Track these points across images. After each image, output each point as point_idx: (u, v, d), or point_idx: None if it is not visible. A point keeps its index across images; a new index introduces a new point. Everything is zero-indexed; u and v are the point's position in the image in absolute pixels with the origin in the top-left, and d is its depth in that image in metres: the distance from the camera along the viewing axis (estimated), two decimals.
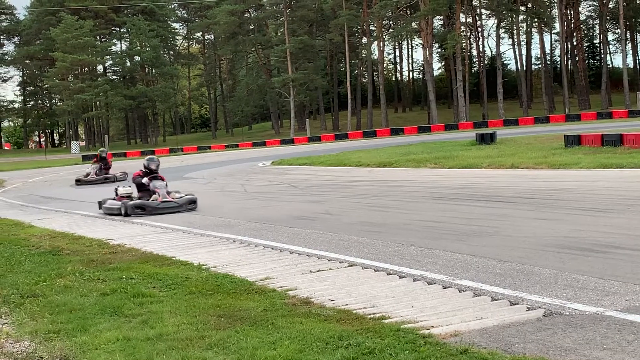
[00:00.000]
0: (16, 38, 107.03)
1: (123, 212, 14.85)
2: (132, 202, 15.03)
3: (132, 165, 38.97)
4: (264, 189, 20.66)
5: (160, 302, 6.66)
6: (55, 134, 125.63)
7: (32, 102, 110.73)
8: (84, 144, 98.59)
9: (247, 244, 9.99)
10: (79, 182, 28.32)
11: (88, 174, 28.90)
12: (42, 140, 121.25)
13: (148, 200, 15.21)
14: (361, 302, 6.25)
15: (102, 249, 10.31)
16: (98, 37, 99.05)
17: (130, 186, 16.36)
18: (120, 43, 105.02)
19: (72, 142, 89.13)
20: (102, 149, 31.78)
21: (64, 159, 66.14)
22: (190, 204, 15.31)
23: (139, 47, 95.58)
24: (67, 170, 45.73)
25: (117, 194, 16.16)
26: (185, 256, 9.24)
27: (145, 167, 15.97)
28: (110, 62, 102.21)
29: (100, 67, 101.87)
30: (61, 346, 5.48)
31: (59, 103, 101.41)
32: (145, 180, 15.73)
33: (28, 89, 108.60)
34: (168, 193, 15.61)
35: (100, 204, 16.39)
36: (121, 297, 6.94)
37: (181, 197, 15.44)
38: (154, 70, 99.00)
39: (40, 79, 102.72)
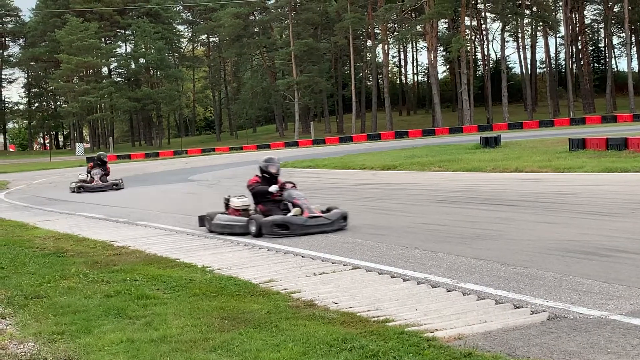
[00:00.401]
0: (21, 40, 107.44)
1: (254, 231, 10.87)
2: (269, 219, 10.94)
3: (134, 168, 39.02)
4: None
5: (164, 304, 6.66)
6: (59, 136, 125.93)
7: (36, 104, 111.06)
8: (88, 145, 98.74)
9: (251, 246, 10.00)
10: (81, 189, 25.19)
11: (91, 180, 25.71)
12: (46, 142, 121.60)
13: (283, 214, 11.27)
14: (365, 305, 6.24)
15: (106, 251, 10.31)
16: (103, 39, 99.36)
17: (244, 195, 12.35)
18: (125, 45, 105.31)
19: (76, 144, 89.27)
20: (101, 152, 28.98)
21: (68, 160, 66.22)
22: (342, 220, 11.25)
23: (143, 50, 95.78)
24: (71, 172, 45.77)
25: (228, 207, 12.28)
26: (189, 258, 9.24)
27: (262, 171, 12.02)
28: (115, 64, 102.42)
29: (105, 69, 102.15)
30: (65, 348, 5.48)
31: (63, 105, 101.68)
32: (273, 188, 11.67)
33: (33, 90, 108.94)
34: None
35: (203, 219, 12.28)
36: (125, 299, 6.94)
37: (329, 211, 11.41)
38: (158, 73, 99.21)
39: (45, 81, 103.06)
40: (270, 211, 11.33)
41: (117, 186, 25.86)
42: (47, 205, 20.84)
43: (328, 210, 11.30)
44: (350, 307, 6.18)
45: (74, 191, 25.33)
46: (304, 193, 11.79)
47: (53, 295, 7.34)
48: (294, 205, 11.29)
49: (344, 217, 11.23)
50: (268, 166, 11.97)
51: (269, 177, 11.92)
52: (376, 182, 21.29)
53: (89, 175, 26.17)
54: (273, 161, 12.09)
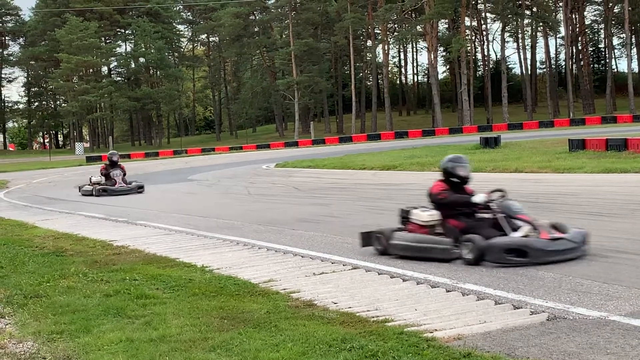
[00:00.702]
0: (21, 39, 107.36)
1: (472, 256, 7.81)
2: (498, 242, 7.79)
3: (133, 167, 38.98)
4: (268, 192, 20.67)
5: (163, 304, 6.66)
6: (59, 135, 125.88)
7: (36, 103, 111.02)
8: (88, 145, 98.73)
9: (251, 246, 10.00)
10: (103, 192, 22.32)
11: (113, 182, 22.85)
12: (46, 141, 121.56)
13: (500, 234, 8.08)
14: (364, 305, 6.25)
15: (106, 250, 10.31)
16: (103, 39, 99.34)
17: (427, 207, 9.06)
18: (125, 44, 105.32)
19: (76, 143, 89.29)
20: (112, 151, 25.39)
21: (68, 160, 66.23)
22: (584, 243, 8.03)
23: (143, 49, 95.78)
24: (71, 171, 45.82)
25: (408, 221, 8.97)
26: (188, 258, 9.24)
27: (448, 174, 8.97)
28: (115, 63, 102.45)
29: (105, 69, 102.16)
30: (64, 347, 5.48)
31: (63, 104, 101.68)
32: (480, 198, 8.60)
33: (33, 90, 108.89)
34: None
35: (369, 237, 9.14)
36: (124, 299, 6.95)
37: (557, 229, 8.20)
38: (158, 72, 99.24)
39: (45, 80, 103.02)
40: (473, 228, 8.23)
41: (141, 188, 22.94)
42: (46, 204, 20.83)
43: (555, 227, 8.21)
44: (350, 307, 6.19)
45: (91, 194, 22.51)
46: (520, 204, 8.66)
47: (52, 294, 7.34)
48: (509, 220, 8.28)
49: (586, 238, 8.10)
50: (455, 167, 9.00)
51: (458, 182, 9.00)
52: (376, 182, 21.29)
53: (103, 177, 23.15)
54: (461, 161, 9.16)
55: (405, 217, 9.18)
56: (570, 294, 6.13)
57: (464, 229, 8.31)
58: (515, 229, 8.09)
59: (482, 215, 8.51)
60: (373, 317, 5.80)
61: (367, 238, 9.21)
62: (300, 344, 5.11)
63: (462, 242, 8.07)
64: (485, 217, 8.47)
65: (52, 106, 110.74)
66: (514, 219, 8.24)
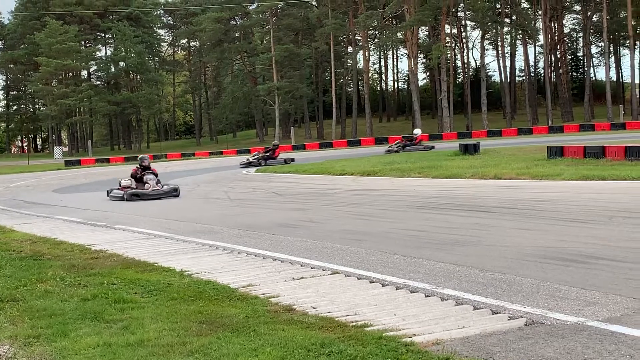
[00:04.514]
0: (0, 42, 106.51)
1: None
2: None
3: (113, 171, 38.74)
4: (248, 197, 20.63)
5: (141, 308, 6.63)
6: (38, 139, 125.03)
7: (15, 107, 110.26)
8: (67, 149, 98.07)
9: (230, 251, 9.97)
10: (135, 196, 20.83)
11: (148, 187, 21.44)
12: (24, 145, 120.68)
13: None
14: (344, 310, 6.25)
15: (84, 254, 10.25)
16: (83, 43, 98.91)
17: None
18: (105, 49, 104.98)
19: (55, 147, 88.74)
20: (143, 155, 23.33)
21: (46, 164, 65.80)
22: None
23: (123, 53, 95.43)
24: (49, 175, 45.49)
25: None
26: (167, 262, 9.20)
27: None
28: (95, 67, 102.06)
29: (84, 73, 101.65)
30: (41, 351, 5.44)
31: (42, 108, 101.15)
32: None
33: (11, 93, 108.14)
34: None
35: None
36: (102, 303, 6.90)
37: None
38: (138, 77, 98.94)
39: (23, 84, 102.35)
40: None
41: (177, 191, 21.47)
42: (24, 208, 20.68)
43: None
44: (329, 312, 6.18)
45: (122, 199, 21.00)
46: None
47: (29, 298, 7.28)
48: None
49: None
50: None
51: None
52: (356, 188, 21.30)
53: (132, 180, 21.86)
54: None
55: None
56: (548, 300, 6.16)
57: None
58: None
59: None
60: (352, 322, 5.80)
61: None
62: (279, 348, 5.11)
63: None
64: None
65: (31, 110, 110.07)
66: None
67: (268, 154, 38.85)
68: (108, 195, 22.26)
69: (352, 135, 79.32)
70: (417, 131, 43.33)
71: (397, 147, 40.71)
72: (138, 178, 21.75)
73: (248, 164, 38.01)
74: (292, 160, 39.38)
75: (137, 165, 22.19)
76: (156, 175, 21.97)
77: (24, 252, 10.78)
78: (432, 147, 41.45)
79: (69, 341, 5.63)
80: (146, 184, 21.28)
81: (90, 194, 25.96)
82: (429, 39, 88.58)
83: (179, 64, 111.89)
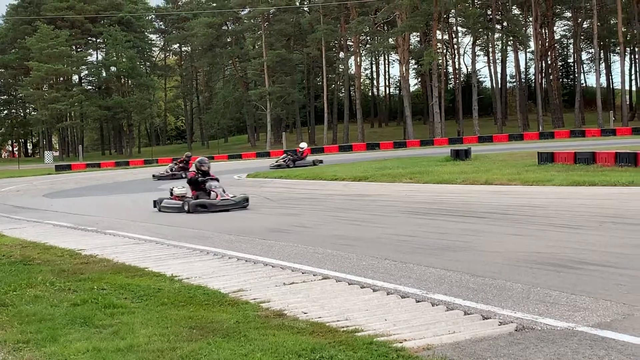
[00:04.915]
0: None
1: None
2: None
3: (104, 176, 38.64)
4: None
5: (131, 313, 6.61)
6: (28, 144, 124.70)
7: (5, 111, 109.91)
8: (57, 154, 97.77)
9: (221, 256, 9.95)
10: (201, 207, 17.15)
11: (214, 196, 17.77)
12: (15, 149, 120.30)
13: None
14: (334, 315, 6.24)
15: (74, 259, 10.21)
16: (74, 47, 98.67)
17: None
18: (97, 53, 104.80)
19: (45, 152, 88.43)
20: (202, 158, 19.41)
21: (37, 168, 65.59)
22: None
23: (115, 58, 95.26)
24: (40, 180, 45.34)
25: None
26: (157, 267, 9.18)
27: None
28: (86, 72, 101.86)
29: (75, 77, 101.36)
30: (30, 356, 5.41)
31: (33, 112, 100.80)
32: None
33: (2, 97, 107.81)
34: None
35: None
36: (92, 308, 6.88)
37: None
38: (129, 81, 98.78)
39: (14, 88, 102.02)
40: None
41: (247, 201, 17.85)
42: (14, 213, 20.59)
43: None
44: (320, 317, 6.17)
45: (179, 210, 17.47)
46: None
47: (19, 303, 7.25)
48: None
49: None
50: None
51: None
52: (347, 193, 21.31)
53: (188, 188, 18.36)
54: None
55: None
56: (538, 305, 6.17)
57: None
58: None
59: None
60: (343, 327, 5.79)
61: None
62: (270, 353, 5.10)
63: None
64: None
65: (22, 114, 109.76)
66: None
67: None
68: (156, 207, 18.26)
69: (344, 140, 79.36)
70: (303, 145, 41.63)
71: (286, 162, 38.79)
72: (199, 186, 17.82)
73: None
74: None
75: (194, 170, 18.39)
76: (218, 181, 18.33)
77: (14, 256, 10.73)
78: (321, 162, 40.43)
79: (58, 346, 5.60)
80: (211, 193, 17.51)
81: (81, 198, 25.90)
82: (420, 44, 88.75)
83: (170, 69, 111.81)
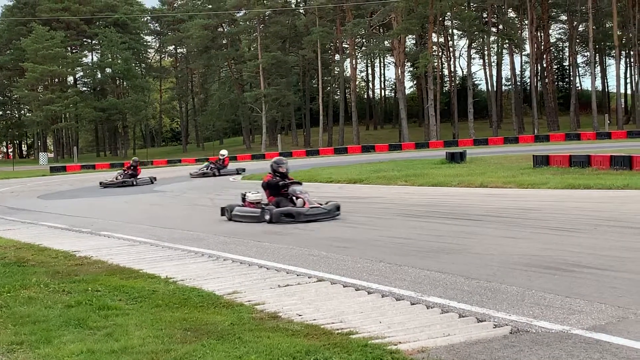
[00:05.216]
0: None
1: None
2: None
3: (98, 178, 38.57)
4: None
5: (126, 315, 6.60)
6: (23, 145, 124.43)
7: (0, 113, 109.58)
8: (52, 155, 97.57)
9: (216, 258, 9.94)
10: (289, 216, 14.15)
11: (301, 204, 14.66)
12: (9, 150, 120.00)
13: None
14: (329, 317, 6.23)
15: (68, 261, 10.19)
16: (69, 48, 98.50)
17: None
18: (92, 55, 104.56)
19: (40, 153, 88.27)
20: (279, 158, 16.30)
21: (31, 170, 65.47)
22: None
23: (110, 59, 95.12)
24: (34, 181, 45.26)
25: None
26: (152, 269, 9.16)
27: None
28: (81, 73, 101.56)
29: (70, 79, 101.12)
30: (24, 358, 5.41)
31: (27, 114, 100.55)
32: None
33: None
34: None
35: None
36: (86, 310, 6.87)
37: None
38: (125, 83, 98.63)
39: (9, 89, 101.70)
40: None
41: (338, 210, 14.68)
42: (8, 214, 20.55)
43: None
44: (314, 319, 6.17)
45: (257, 220, 14.47)
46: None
47: (13, 305, 7.23)
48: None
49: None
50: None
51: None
52: (342, 196, 21.28)
53: (264, 193, 15.14)
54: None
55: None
56: (533, 308, 6.17)
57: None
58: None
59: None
60: (337, 330, 5.79)
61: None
62: (264, 355, 5.09)
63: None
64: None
65: (17, 115, 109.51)
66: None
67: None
68: (225, 215, 15.28)
69: (339, 143, 79.40)
70: (224, 152, 40.22)
71: (212, 170, 37.59)
72: (280, 190, 14.72)
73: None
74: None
75: (270, 172, 15.04)
76: (301, 185, 15.33)
77: (8, 258, 10.70)
78: (244, 170, 39.68)
79: (52, 348, 5.59)
80: (297, 199, 14.45)
81: (76, 200, 25.85)
82: (416, 47, 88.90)
83: (165, 71, 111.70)
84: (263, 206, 14.57)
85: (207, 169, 37.67)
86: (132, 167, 33.46)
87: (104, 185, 32.48)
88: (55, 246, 11.96)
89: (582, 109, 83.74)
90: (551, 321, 5.71)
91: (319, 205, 14.33)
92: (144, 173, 36.34)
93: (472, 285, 7.21)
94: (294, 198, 14.48)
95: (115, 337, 5.80)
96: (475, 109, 77.98)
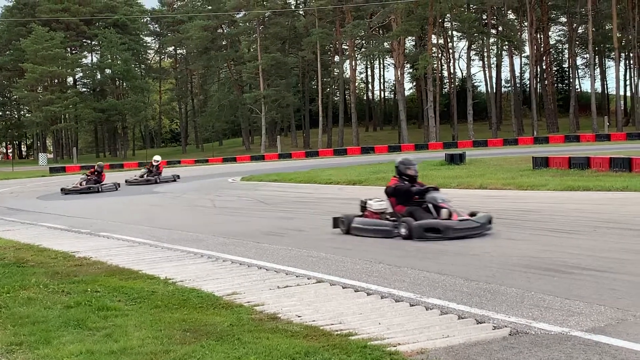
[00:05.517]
0: None
1: None
2: None
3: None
4: (233, 205, 20.59)
5: (125, 316, 6.60)
6: (22, 146, 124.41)
7: (0, 113, 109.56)
8: (51, 156, 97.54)
9: (215, 259, 9.94)
10: (434, 232, 11.11)
11: (446, 216, 12.12)
12: (9, 151, 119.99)
13: None
14: (328, 319, 6.23)
15: (68, 262, 10.19)
16: (69, 49, 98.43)
17: None
18: (91, 55, 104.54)
19: (39, 154, 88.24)
20: (406, 158, 12.43)
21: (31, 170, 65.44)
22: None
23: (110, 60, 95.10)
24: (34, 182, 45.24)
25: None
26: (151, 270, 9.16)
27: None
28: (81, 74, 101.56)
29: (70, 79, 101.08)
30: (23, 358, 5.41)
31: (27, 114, 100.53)
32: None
33: None
34: None
35: None
36: (85, 310, 6.86)
37: None
38: (124, 84, 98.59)
39: (9, 90, 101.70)
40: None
41: (490, 223, 11.60)
42: (8, 215, 20.54)
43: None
44: (314, 321, 6.17)
45: (387, 234, 11.52)
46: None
47: (12, 305, 7.23)
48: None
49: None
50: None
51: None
52: (342, 197, 21.30)
53: (388, 201, 12.14)
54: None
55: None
56: (532, 309, 6.17)
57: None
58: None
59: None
60: (337, 331, 5.79)
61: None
62: (264, 357, 5.09)
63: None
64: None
65: (16, 116, 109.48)
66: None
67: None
68: (339, 227, 12.33)
69: (339, 144, 79.41)
70: (157, 158, 36.73)
71: (148, 176, 34.85)
72: (413, 198, 11.82)
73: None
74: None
75: (395, 175, 12.29)
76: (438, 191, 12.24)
77: (8, 258, 10.70)
78: (179, 177, 36.95)
79: (51, 349, 5.59)
80: (441, 210, 11.41)
81: (75, 201, 25.83)
82: (415, 49, 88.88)
83: (165, 72, 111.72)
84: (394, 218, 11.65)
85: (152, 177, 34.80)
86: (96, 173, 31.16)
87: (66, 191, 29.78)
88: (54, 247, 11.95)
89: (582, 110, 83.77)
90: (550, 323, 5.71)
91: (469, 218, 11.36)
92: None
93: (472, 286, 7.21)
94: (430, 206, 11.43)
95: (114, 338, 5.81)
96: (475, 111, 78.02)
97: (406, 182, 11.84)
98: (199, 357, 5.19)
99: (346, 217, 12.20)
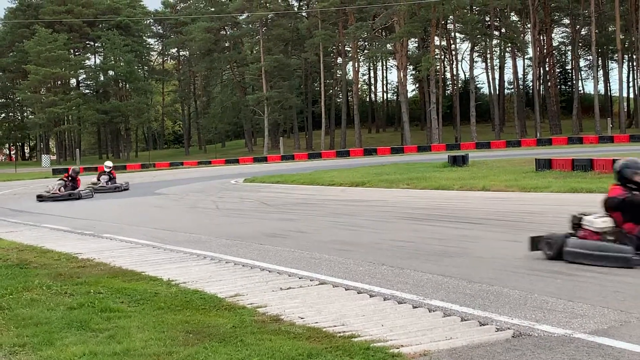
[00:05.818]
0: None
1: None
2: None
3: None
4: (236, 206, 20.58)
5: (128, 317, 6.59)
6: (26, 147, 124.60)
7: (3, 115, 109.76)
8: (55, 157, 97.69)
9: (218, 261, 9.93)
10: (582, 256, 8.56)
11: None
12: (12, 153, 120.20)
13: None
14: (331, 320, 6.22)
15: (70, 263, 10.18)
16: (72, 51, 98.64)
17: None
18: (95, 57, 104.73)
19: (42, 155, 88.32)
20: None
21: (34, 172, 65.54)
22: None
23: (113, 62, 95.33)
24: (36, 183, 45.27)
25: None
26: (154, 271, 9.16)
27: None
28: (84, 76, 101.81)
29: (73, 81, 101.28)
30: None
31: (30, 116, 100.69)
32: None
33: (0, 101, 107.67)
34: None
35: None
36: (88, 312, 6.85)
37: None
38: (127, 85, 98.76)
39: (12, 92, 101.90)
40: None
41: None
42: (11, 216, 20.54)
43: None
44: (316, 322, 6.16)
45: (628, 262, 8.16)
46: None
47: (15, 306, 7.23)
48: None
49: None
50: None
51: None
52: (344, 199, 21.30)
53: (618, 212, 9.09)
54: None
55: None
56: (535, 311, 6.16)
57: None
58: None
59: None
60: (339, 333, 5.78)
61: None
62: (266, 358, 5.09)
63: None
64: None
65: (19, 118, 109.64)
66: None
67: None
68: (542, 250, 9.05)
69: (341, 146, 79.46)
70: (109, 163, 34.47)
71: (107, 183, 32.19)
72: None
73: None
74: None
75: (617, 183, 9.10)
76: None
77: (10, 260, 10.69)
78: (127, 184, 33.94)
79: (54, 350, 5.58)
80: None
81: (77, 202, 25.81)
82: (418, 50, 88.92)
83: (168, 73, 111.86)
84: (615, 238, 8.64)
85: (106, 184, 32.15)
86: (70, 178, 28.48)
87: (43, 199, 26.83)
88: (57, 248, 11.94)
89: (585, 112, 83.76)
90: (554, 325, 5.70)
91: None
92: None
93: (475, 288, 7.20)
94: None
95: (117, 340, 5.80)
96: (478, 113, 78.04)
97: (636, 193, 8.75)
98: (202, 358, 5.18)
99: (554, 237, 8.96)
